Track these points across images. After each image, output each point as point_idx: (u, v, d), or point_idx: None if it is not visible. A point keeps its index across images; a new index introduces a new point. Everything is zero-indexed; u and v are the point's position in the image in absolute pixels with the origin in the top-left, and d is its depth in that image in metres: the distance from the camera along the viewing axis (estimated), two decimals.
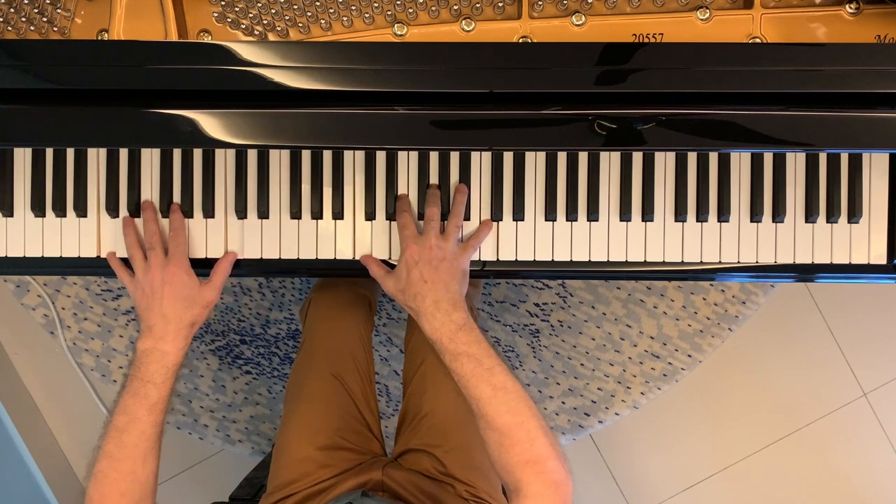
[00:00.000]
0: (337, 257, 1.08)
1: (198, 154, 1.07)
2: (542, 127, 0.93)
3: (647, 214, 1.06)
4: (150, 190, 1.07)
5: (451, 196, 1.06)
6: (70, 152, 1.07)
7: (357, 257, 1.07)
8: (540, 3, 0.99)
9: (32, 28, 0.98)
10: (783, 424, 1.91)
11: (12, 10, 0.96)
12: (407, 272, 1.00)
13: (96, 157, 1.07)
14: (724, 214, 1.06)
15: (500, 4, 0.99)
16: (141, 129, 0.93)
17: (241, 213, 1.07)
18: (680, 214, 1.06)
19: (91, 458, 0.97)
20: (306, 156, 1.07)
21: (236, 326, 1.86)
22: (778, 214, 1.06)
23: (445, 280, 0.99)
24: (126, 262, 1.05)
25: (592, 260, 1.07)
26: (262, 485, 1.42)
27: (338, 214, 1.07)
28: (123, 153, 1.07)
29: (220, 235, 1.08)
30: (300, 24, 1.00)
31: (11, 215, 1.07)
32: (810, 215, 1.06)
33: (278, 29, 0.99)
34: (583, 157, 1.07)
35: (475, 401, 0.96)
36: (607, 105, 0.92)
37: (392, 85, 0.91)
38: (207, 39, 1.01)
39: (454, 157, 1.07)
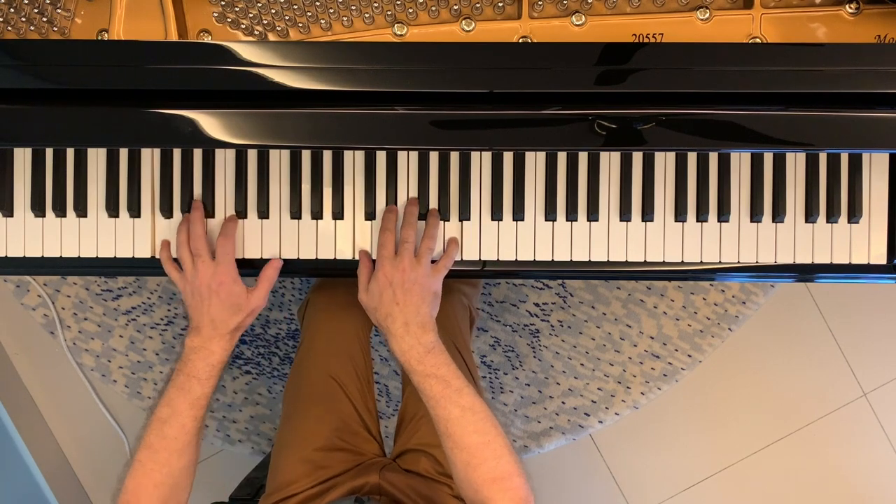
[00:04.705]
0: (337, 257, 1.08)
1: (198, 154, 1.07)
2: (542, 127, 0.93)
3: (647, 214, 1.06)
4: (150, 190, 1.07)
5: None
6: (70, 152, 1.07)
7: (357, 258, 1.07)
8: (540, 3, 0.99)
9: (32, 28, 0.98)
10: (783, 424, 1.91)
11: (12, 10, 0.96)
12: (379, 292, 1.00)
13: (96, 157, 1.07)
14: (724, 214, 1.06)
15: (500, 4, 0.99)
16: (141, 129, 0.93)
17: (241, 213, 1.07)
18: (680, 214, 1.06)
19: (132, 447, 0.98)
20: (306, 156, 1.07)
21: None
22: (778, 214, 1.06)
23: (416, 303, 0.99)
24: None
25: (592, 260, 1.07)
26: (262, 485, 1.41)
27: (338, 214, 1.07)
28: (123, 153, 1.07)
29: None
30: (300, 24, 1.00)
31: (11, 215, 1.08)
32: (810, 215, 1.06)
33: (278, 29, 0.99)
34: (583, 157, 1.07)
35: (443, 421, 0.97)
36: (607, 105, 0.92)
37: (392, 85, 0.91)
38: (207, 39, 1.01)
39: (454, 157, 1.07)
